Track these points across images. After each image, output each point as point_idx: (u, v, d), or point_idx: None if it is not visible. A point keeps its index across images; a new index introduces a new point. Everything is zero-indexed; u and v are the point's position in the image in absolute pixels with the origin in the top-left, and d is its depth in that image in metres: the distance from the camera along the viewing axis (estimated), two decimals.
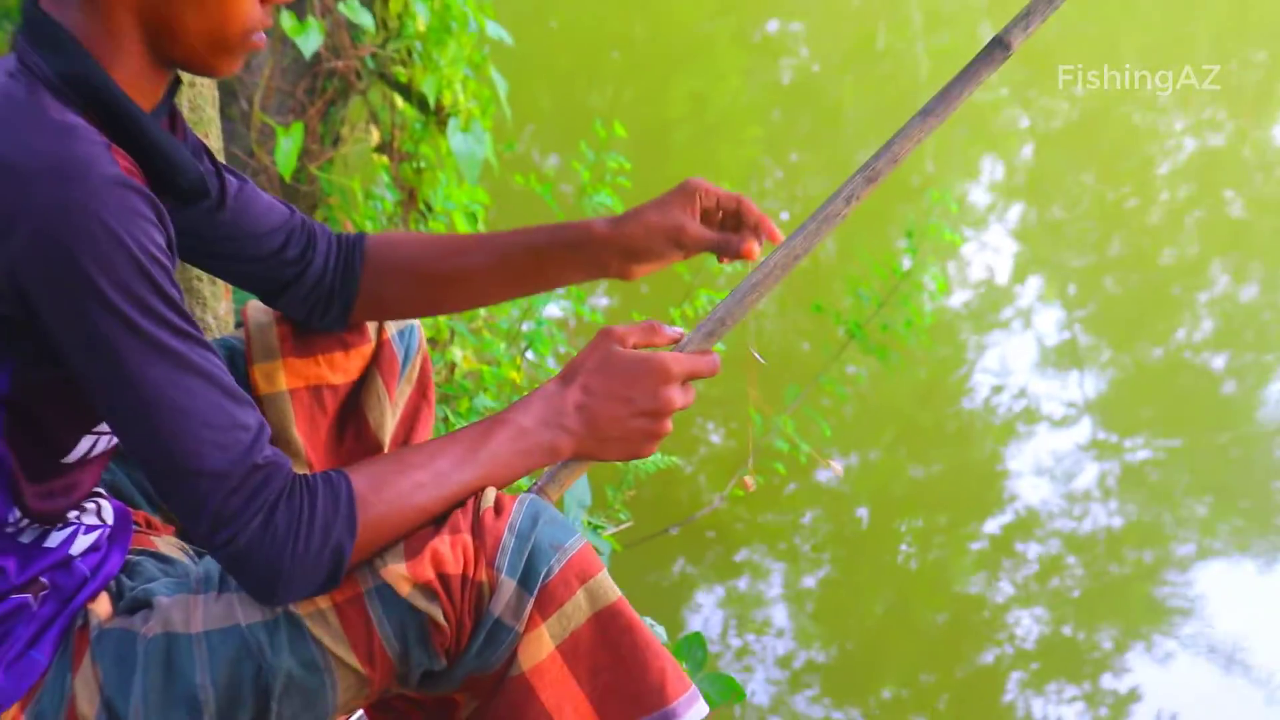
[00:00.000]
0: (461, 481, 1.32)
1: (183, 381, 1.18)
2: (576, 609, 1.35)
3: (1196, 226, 5.02)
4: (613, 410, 1.35)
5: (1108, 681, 3.07)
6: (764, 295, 1.46)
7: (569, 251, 1.61)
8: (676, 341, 1.44)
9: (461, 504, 1.34)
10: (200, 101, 2.60)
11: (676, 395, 1.36)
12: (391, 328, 1.73)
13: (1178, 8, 6.82)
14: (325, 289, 1.61)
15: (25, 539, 1.29)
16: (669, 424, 1.37)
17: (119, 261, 1.13)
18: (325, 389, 1.67)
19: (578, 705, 1.36)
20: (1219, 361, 4.30)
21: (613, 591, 1.37)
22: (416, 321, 1.79)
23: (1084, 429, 3.91)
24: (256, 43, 1.29)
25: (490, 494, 1.36)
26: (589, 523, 2.69)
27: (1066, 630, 3.19)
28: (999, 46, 1.51)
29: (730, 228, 1.60)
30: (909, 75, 6.08)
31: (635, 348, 1.42)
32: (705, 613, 3.25)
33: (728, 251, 1.57)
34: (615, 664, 1.37)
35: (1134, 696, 3.02)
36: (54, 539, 1.32)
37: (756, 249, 1.56)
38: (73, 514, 1.35)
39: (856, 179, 1.48)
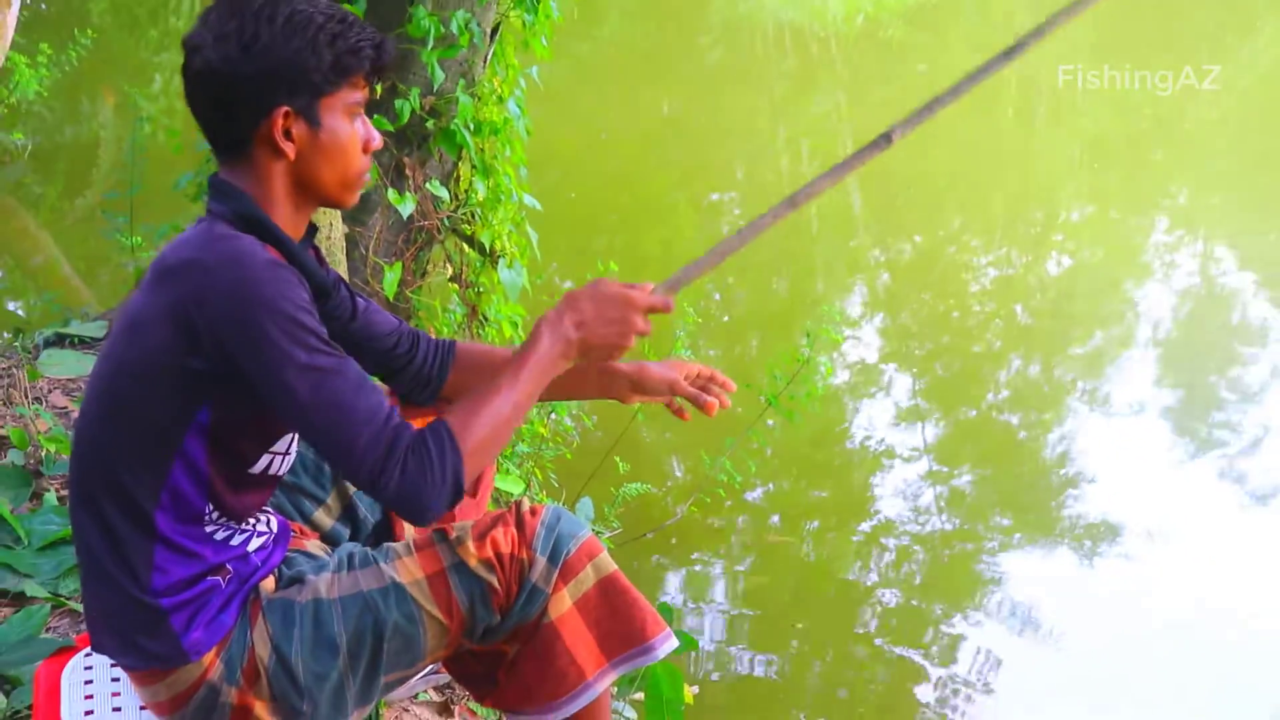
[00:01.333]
0: (515, 401, 1.26)
1: (335, 384, 1.18)
2: (586, 577, 1.39)
3: (997, 329, 5.06)
4: (598, 328, 1.29)
5: (944, 629, 3.08)
6: (707, 271, 1.39)
7: (599, 377, 1.59)
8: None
9: (507, 504, 1.35)
10: (333, 249, 2.64)
11: (639, 321, 1.30)
12: None
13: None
14: (424, 377, 1.59)
15: (218, 537, 1.30)
16: (633, 340, 1.31)
17: (280, 314, 1.16)
18: None
19: (588, 643, 1.39)
20: (1015, 419, 4.32)
21: (611, 565, 1.41)
22: None
23: (924, 464, 3.91)
24: (365, 180, 1.32)
25: (526, 503, 1.38)
26: (592, 529, 2.72)
27: (915, 599, 3.21)
28: (884, 139, 1.36)
29: (701, 389, 1.59)
30: (805, 226, 6.15)
31: None
32: (671, 590, 3.24)
33: (698, 403, 1.51)
34: (612, 615, 1.40)
35: (960, 637, 3.04)
36: (236, 540, 1.33)
37: (716, 406, 1.51)
38: (248, 523, 1.35)
39: (781, 204, 1.38)
